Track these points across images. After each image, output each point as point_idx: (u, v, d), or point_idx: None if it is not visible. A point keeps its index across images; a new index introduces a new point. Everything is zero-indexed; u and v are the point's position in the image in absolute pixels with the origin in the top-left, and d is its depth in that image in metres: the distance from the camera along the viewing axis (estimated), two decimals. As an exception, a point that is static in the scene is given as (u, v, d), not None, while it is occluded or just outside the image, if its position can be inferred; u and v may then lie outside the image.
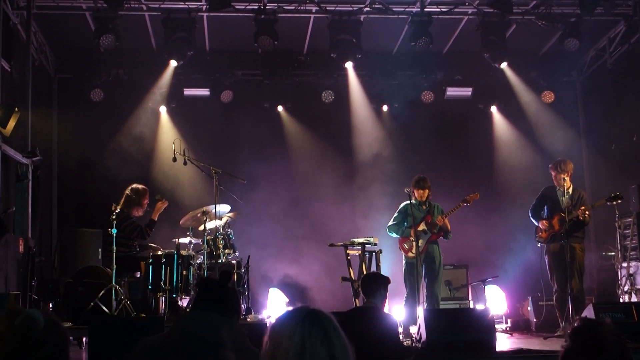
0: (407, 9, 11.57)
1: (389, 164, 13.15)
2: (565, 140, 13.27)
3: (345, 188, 13.29)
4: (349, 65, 12.35)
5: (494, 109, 13.87)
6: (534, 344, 9.18)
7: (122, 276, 9.50)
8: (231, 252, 10.35)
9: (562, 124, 13.56)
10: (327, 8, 11.48)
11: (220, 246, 10.14)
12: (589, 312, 8.38)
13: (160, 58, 12.12)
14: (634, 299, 10.38)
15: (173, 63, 11.97)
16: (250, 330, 8.54)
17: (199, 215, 10.22)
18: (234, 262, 10.37)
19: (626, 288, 10.63)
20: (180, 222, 10.50)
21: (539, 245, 10.20)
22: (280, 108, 13.53)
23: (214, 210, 9.98)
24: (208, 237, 9.96)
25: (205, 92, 13.20)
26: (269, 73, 13.17)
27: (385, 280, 7.25)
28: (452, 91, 13.63)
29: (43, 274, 10.81)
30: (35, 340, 2.69)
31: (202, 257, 9.92)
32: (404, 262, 10.16)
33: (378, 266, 10.19)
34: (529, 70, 13.51)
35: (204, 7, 11.35)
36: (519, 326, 11.37)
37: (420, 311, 9.27)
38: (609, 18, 11.90)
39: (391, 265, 11.05)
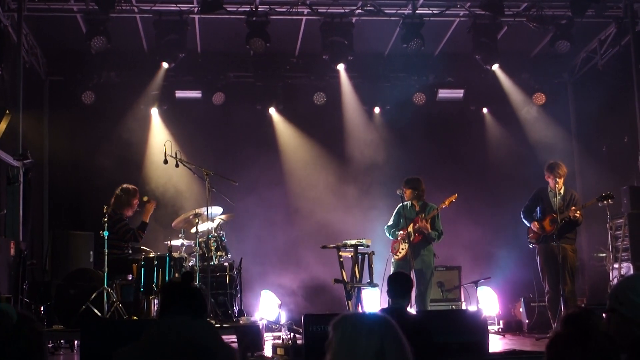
0: (398, 11, 11.58)
1: (381, 166, 13.16)
2: (556, 142, 13.30)
3: (337, 190, 13.28)
4: (340, 67, 12.36)
5: (485, 110, 13.90)
6: (526, 345, 9.22)
7: (114, 279, 9.49)
8: (223, 254, 10.33)
9: (554, 125, 13.59)
10: (319, 10, 11.48)
11: (213, 248, 10.13)
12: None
13: (152, 60, 12.11)
14: (625, 299, 10.38)
15: (165, 65, 11.95)
16: (242, 332, 8.56)
17: (191, 217, 10.21)
18: (226, 264, 10.37)
19: (618, 289, 10.65)
20: (172, 224, 10.49)
21: (530, 246, 10.22)
22: (272, 110, 13.51)
23: (206, 213, 9.97)
24: (200, 240, 9.95)
25: (197, 94, 13.17)
26: (261, 75, 13.16)
27: (412, 283, 6.93)
28: (443, 93, 13.63)
29: (34, 277, 10.78)
30: (7, 335, 2.65)
31: (194, 259, 9.90)
32: (392, 264, 10.25)
33: (371, 268, 10.19)
34: (520, 72, 13.55)
35: (196, 9, 11.33)
36: (511, 327, 11.40)
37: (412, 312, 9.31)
38: (599, 20, 11.96)
39: (383, 267, 11.04)
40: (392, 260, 10.31)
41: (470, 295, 11.45)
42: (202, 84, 13.15)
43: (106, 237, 9.11)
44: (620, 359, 2.74)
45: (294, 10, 11.48)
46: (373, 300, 11.16)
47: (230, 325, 9.07)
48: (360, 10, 11.54)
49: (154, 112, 13.16)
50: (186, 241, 10.20)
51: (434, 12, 11.66)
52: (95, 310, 8.83)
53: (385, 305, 9.69)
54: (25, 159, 10.57)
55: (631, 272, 10.51)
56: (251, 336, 8.46)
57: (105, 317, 8.75)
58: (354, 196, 13.02)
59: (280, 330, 10.19)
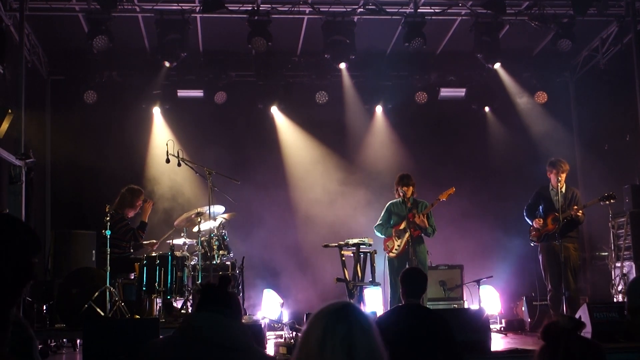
0: (400, 10, 11.57)
1: (382, 165, 13.15)
2: (558, 140, 13.29)
3: (339, 188, 13.28)
4: (342, 66, 12.35)
5: (487, 109, 13.89)
6: (528, 343, 9.21)
7: (116, 278, 9.50)
8: (225, 253, 10.34)
9: (556, 124, 13.59)
10: (321, 9, 11.48)
11: (215, 247, 10.14)
12: (583, 312, 8.40)
13: (154, 59, 12.11)
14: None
15: (166, 64, 11.93)
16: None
17: (193, 216, 10.22)
18: (228, 263, 10.38)
19: (620, 288, 10.67)
20: (175, 223, 10.50)
21: (532, 244, 10.22)
22: (273, 109, 13.51)
23: (208, 212, 9.98)
24: (202, 238, 9.96)
25: (199, 93, 13.19)
26: (263, 74, 13.16)
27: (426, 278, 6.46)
28: (445, 92, 13.64)
29: (37, 276, 10.77)
30: None
31: (196, 258, 9.91)
32: (386, 261, 10.23)
33: (372, 267, 10.19)
34: (522, 71, 13.54)
35: (198, 8, 11.33)
36: (513, 326, 11.39)
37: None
38: (601, 19, 11.94)
39: (386, 266, 11.03)
40: (387, 257, 10.21)
41: (473, 294, 11.44)
42: (203, 83, 13.16)
43: (108, 237, 9.12)
44: None
45: (295, 9, 11.47)
46: (375, 299, 11.17)
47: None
48: (361, 9, 11.54)
49: (156, 111, 13.18)
50: (188, 240, 10.22)
51: (436, 10, 11.65)
52: (98, 309, 8.83)
53: (392, 304, 9.80)
54: (27, 158, 10.58)
55: (633, 270, 10.52)
56: (253, 335, 8.47)
57: (107, 316, 8.76)
58: (356, 195, 13.01)
59: (282, 329, 10.21)
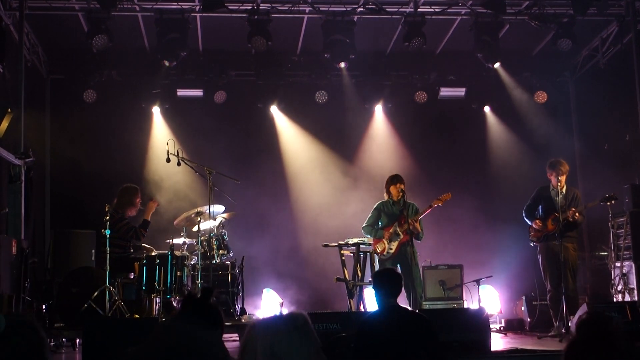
0: (400, 9, 11.57)
1: (382, 164, 13.13)
2: (558, 140, 13.29)
3: (339, 188, 13.28)
4: (342, 65, 12.34)
5: (487, 109, 13.88)
6: (528, 343, 9.21)
7: (116, 277, 9.49)
8: (225, 252, 10.35)
9: (555, 123, 13.59)
10: (321, 8, 11.47)
11: (214, 247, 10.14)
12: (582, 312, 8.40)
13: (154, 59, 12.09)
14: (627, 298, 10.41)
15: (166, 64, 11.92)
16: (244, 331, 8.56)
17: (192, 215, 10.22)
18: (227, 262, 10.38)
19: (619, 287, 10.66)
20: (174, 222, 10.51)
21: (532, 244, 10.22)
22: (273, 108, 13.50)
23: (208, 211, 9.98)
24: (202, 238, 9.96)
25: (198, 92, 13.18)
26: (262, 73, 13.13)
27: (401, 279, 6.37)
28: (445, 91, 13.63)
29: (36, 276, 10.78)
30: None
31: (196, 257, 9.91)
32: (376, 262, 10.15)
33: (372, 266, 10.20)
34: (522, 71, 13.53)
35: (197, 7, 11.33)
36: (512, 326, 11.40)
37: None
38: (601, 18, 11.94)
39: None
40: (378, 259, 10.07)
41: (472, 293, 11.44)
42: (203, 83, 13.15)
43: (108, 236, 9.12)
44: None
45: (295, 8, 11.47)
46: (375, 299, 11.15)
47: (232, 324, 9.08)
48: (361, 9, 11.53)
49: (156, 110, 13.17)
50: (188, 240, 10.21)
51: (436, 10, 11.65)
52: (97, 309, 8.83)
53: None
54: (27, 158, 10.57)
55: (633, 270, 10.51)
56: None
57: (107, 316, 8.76)
58: (356, 194, 13.01)
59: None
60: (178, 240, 10.20)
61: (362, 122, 13.75)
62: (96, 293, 8.92)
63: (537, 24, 11.55)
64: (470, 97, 13.76)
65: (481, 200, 13.41)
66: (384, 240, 9.89)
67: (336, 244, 10.47)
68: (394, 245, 9.82)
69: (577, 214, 9.62)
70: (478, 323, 8.04)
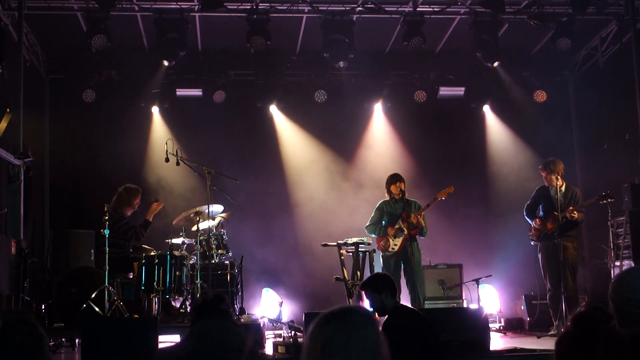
0: (399, 9, 11.57)
1: (381, 164, 13.12)
2: (557, 139, 13.28)
3: (338, 188, 13.29)
4: (341, 65, 12.32)
5: (486, 108, 13.87)
6: (527, 342, 9.20)
7: (115, 277, 9.49)
8: (224, 252, 10.34)
9: (555, 123, 13.58)
10: (320, 8, 11.46)
11: (213, 246, 10.14)
12: (581, 305, 8.39)
13: (153, 58, 12.09)
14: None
15: (165, 63, 11.91)
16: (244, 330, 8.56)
17: (191, 215, 10.21)
18: (227, 262, 10.37)
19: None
20: (173, 222, 10.49)
21: (532, 243, 10.22)
22: (272, 108, 13.50)
23: (206, 211, 9.97)
24: (201, 238, 9.95)
25: (197, 92, 13.17)
26: (262, 73, 13.15)
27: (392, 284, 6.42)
28: (444, 91, 13.61)
29: (35, 275, 10.78)
30: None
31: (195, 257, 9.90)
32: (375, 261, 10.17)
33: (372, 266, 10.19)
34: (521, 70, 13.52)
35: (196, 7, 11.32)
36: (512, 325, 11.40)
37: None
38: (600, 17, 11.93)
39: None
40: (382, 257, 10.12)
41: (472, 293, 11.44)
42: (202, 82, 13.14)
43: (107, 236, 9.12)
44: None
45: (294, 8, 11.46)
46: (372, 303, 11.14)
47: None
48: (360, 8, 11.53)
49: (155, 110, 13.17)
50: (187, 239, 10.20)
51: (435, 9, 11.65)
52: (96, 309, 8.83)
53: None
54: (26, 158, 10.57)
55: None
56: (252, 334, 8.46)
57: (106, 316, 8.76)
58: (355, 194, 13.01)
59: (281, 329, 10.19)
60: (177, 240, 10.19)
61: (362, 122, 13.75)
62: (95, 293, 8.92)
63: (536, 23, 11.54)
64: (469, 97, 13.75)
65: (480, 199, 13.42)
66: (387, 237, 9.94)
67: (335, 244, 10.46)
68: (399, 241, 9.87)
69: (575, 213, 9.62)
70: (477, 322, 8.04)
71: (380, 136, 13.74)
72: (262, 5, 11.28)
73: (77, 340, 9.12)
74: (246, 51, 12.04)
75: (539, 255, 10.05)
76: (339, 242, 10.44)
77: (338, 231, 11.69)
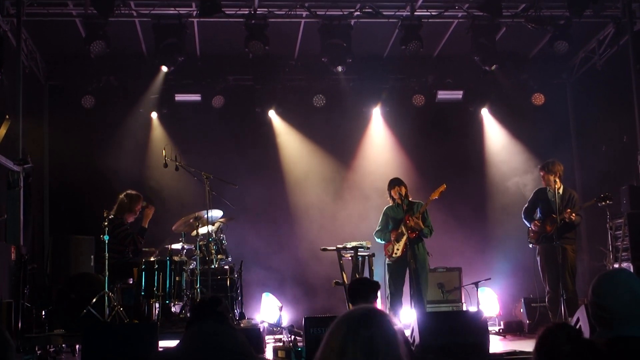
0: (397, 13, 11.59)
1: (380, 168, 13.15)
2: (555, 142, 13.31)
3: (337, 192, 13.31)
4: (339, 69, 12.33)
5: (484, 111, 13.90)
6: (527, 345, 9.20)
7: (115, 282, 9.50)
8: (224, 257, 10.36)
9: (553, 126, 13.61)
10: (318, 13, 11.49)
11: (213, 251, 10.15)
12: (581, 313, 8.38)
13: (151, 64, 12.11)
14: (625, 299, 10.39)
15: (164, 69, 11.94)
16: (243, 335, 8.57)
17: (191, 220, 10.23)
18: (226, 267, 10.38)
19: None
20: (173, 227, 10.50)
21: (530, 246, 10.22)
22: (271, 113, 13.53)
23: (206, 216, 9.99)
24: (200, 243, 9.96)
25: (196, 97, 13.20)
26: (260, 78, 13.17)
27: (376, 286, 6.77)
28: (443, 94, 13.65)
29: (35, 282, 10.78)
30: None
31: (194, 262, 9.91)
32: (374, 266, 10.15)
33: (371, 270, 10.21)
34: (519, 73, 13.57)
35: (195, 12, 11.34)
36: (512, 328, 11.38)
37: (411, 313, 9.32)
38: (598, 20, 11.96)
39: (384, 269, 11.05)
40: (387, 261, 10.07)
41: (471, 296, 11.46)
42: (201, 88, 13.17)
43: (107, 241, 9.12)
44: None
45: (292, 12, 11.49)
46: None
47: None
48: (358, 13, 11.55)
49: (154, 115, 13.19)
50: (187, 245, 10.21)
51: (432, 13, 11.67)
52: (97, 314, 8.84)
53: (391, 309, 9.78)
54: (26, 164, 10.58)
55: (631, 271, 10.51)
56: (252, 339, 8.47)
57: (106, 321, 8.76)
58: (354, 198, 13.04)
59: (281, 333, 10.21)
60: (177, 245, 10.20)
61: (360, 126, 13.78)
62: (95, 298, 8.92)
63: (533, 27, 11.57)
64: (467, 100, 13.78)
65: (479, 202, 13.44)
66: (391, 242, 9.91)
67: (335, 248, 10.47)
68: (400, 245, 9.81)
69: (573, 215, 9.63)
70: (477, 325, 8.04)
71: (378, 140, 13.76)
72: (260, 11, 11.30)
73: (77, 346, 9.11)
74: (244, 56, 12.05)
75: (538, 258, 10.06)
76: (339, 246, 10.45)
77: (338, 235, 11.71)
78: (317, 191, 13.26)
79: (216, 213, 10.42)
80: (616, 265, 10.82)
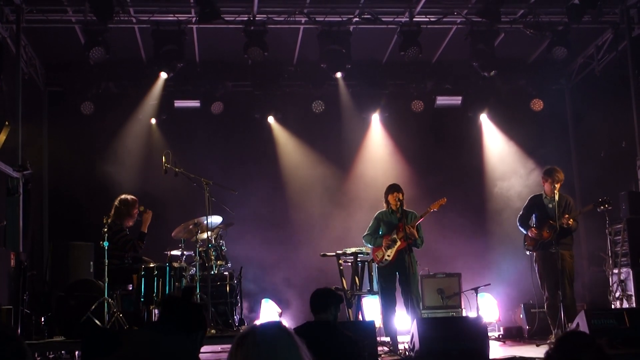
0: (396, 19, 11.61)
1: (379, 173, 13.16)
2: (554, 148, 13.33)
3: (336, 198, 13.32)
4: (338, 75, 12.38)
5: (483, 117, 13.92)
6: (526, 351, 9.21)
7: (115, 289, 9.48)
8: (223, 263, 10.35)
9: (552, 131, 13.63)
10: (317, 19, 11.51)
11: (212, 257, 10.14)
12: (580, 319, 8.41)
13: (151, 70, 12.14)
14: (625, 305, 10.42)
15: (163, 75, 11.98)
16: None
17: (190, 227, 10.22)
18: (226, 273, 10.37)
19: (617, 294, 10.67)
20: (172, 234, 10.49)
21: (528, 253, 10.18)
22: (270, 119, 13.55)
23: (205, 222, 9.98)
24: (200, 249, 9.95)
25: (195, 103, 13.21)
26: (259, 84, 13.18)
27: (338, 298, 6.34)
28: (442, 100, 13.67)
29: (35, 288, 10.77)
30: None
31: (194, 268, 9.90)
32: (374, 271, 10.10)
33: (370, 276, 10.19)
34: (518, 79, 13.60)
35: (194, 19, 11.37)
36: (511, 334, 11.39)
37: (407, 319, 9.32)
38: (596, 26, 11.99)
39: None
40: (377, 267, 9.94)
41: (471, 301, 11.45)
42: (200, 94, 13.19)
43: (106, 248, 9.12)
44: None
45: (291, 19, 11.51)
46: (373, 308, 11.16)
47: (231, 335, 9.07)
48: (357, 19, 11.58)
49: (153, 122, 13.19)
50: (186, 251, 10.20)
51: (431, 19, 11.70)
52: (96, 321, 8.83)
53: (383, 312, 9.77)
54: (25, 170, 10.58)
55: (630, 277, 10.52)
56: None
57: (105, 328, 8.75)
58: (353, 204, 13.03)
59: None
60: (176, 252, 10.19)
61: (359, 132, 13.79)
62: (95, 305, 8.91)
63: (532, 32, 11.60)
64: (466, 106, 13.80)
65: (478, 208, 13.45)
66: (382, 248, 9.82)
67: (334, 254, 10.46)
68: (392, 252, 9.71)
69: (570, 221, 9.62)
70: (476, 331, 8.05)
71: (377, 146, 13.78)
72: (259, 17, 11.32)
73: (76, 353, 9.11)
74: (244, 62, 12.09)
75: (536, 265, 10.00)
76: (338, 252, 10.44)
77: (337, 241, 11.70)
78: (316, 197, 13.26)
79: (215, 219, 10.42)
80: (615, 271, 10.82)
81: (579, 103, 13.77)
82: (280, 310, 11.92)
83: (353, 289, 10.08)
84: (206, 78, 13.15)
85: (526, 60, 13.64)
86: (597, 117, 12.85)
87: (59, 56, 12.76)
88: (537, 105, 13.44)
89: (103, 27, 10.90)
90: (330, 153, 13.58)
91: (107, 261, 9.07)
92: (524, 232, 10.09)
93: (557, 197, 9.71)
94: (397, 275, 9.67)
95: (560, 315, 9.43)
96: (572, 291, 9.74)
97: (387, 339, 9.51)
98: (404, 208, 9.83)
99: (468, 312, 11.63)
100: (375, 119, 13.80)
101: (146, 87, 12.72)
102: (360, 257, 10.24)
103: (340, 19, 11.54)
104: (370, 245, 10.00)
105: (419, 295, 9.91)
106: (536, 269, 9.99)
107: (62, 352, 9.46)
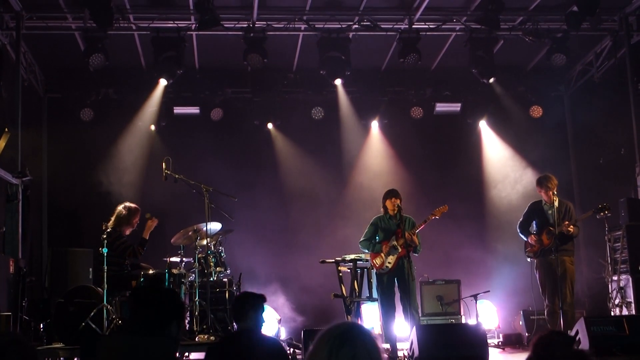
0: (395, 26, 11.63)
1: (378, 180, 13.14)
2: (553, 155, 13.34)
3: (336, 204, 13.31)
4: (338, 82, 12.40)
5: (482, 123, 13.92)
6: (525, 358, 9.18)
7: (114, 295, 9.46)
8: (222, 269, 10.33)
9: (551, 138, 13.64)
10: (316, 26, 11.53)
11: (212, 264, 10.12)
12: (580, 326, 8.40)
13: (150, 77, 12.15)
14: (624, 312, 10.41)
15: (163, 82, 11.99)
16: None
17: (190, 233, 10.19)
18: (225, 279, 10.35)
19: (617, 301, 10.66)
20: (172, 240, 10.46)
21: (528, 260, 10.18)
22: (270, 125, 13.55)
23: (205, 228, 9.97)
24: (199, 255, 9.94)
25: (195, 110, 13.21)
26: (259, 90, 13.21)
27: (257, 301, 6.08)
28: (441, 107, 13.68)
29: (34, 294, 10.77)
30: None
31: (193, 275, 9.89)
32: (374, 277, 10.06)
33: (370, 282, 10.16)
34: (517, 85, 13.62)
35: (193, 25, 11.39)
36: (511, 341, 11.39)
37: (406, 326, 9.30)
38: (595, 33, 12.01)
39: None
40: (376, 273, 9.87)
41: (470, 308, 11.44)
42: (200, 100, 13.20)
43: (105, 254, 9.10)
44: None
45: (291, 25, 11.53)
46: (372, 315, 11.15)
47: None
48: (357, 26, 11.60)
49: (152, 128, 13.19)
50: (185, 257, 10.19)
51: (430, 26, 11.72)
52: (95, 327, 8.81)
53: (383, 319, 9.76)
54: (24, 177, 10.59)
55: (630, 284, 10.52)
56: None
57: (105, 334, 8.74)
58: (353, 210, 13.02)
59: (280, 346, 10.14)
60: (175, 258, 10.18)
61: (359, 138, 13.79)
62: (94, 311, 8.89)
63: (531, 39, 11.64)
64: (465, 112, 13.81)
65: (478, 214, 13.45)
66: (381, 254, 9.76)
67: (333, 260, 10.43)
68: (392, 259, 9.66)
69: (571, 227, 9.62)
70: (476, 338, 8.04)
71: (377, 152, 13.78)
72: (258, 24, 11.34)
73: (75, 360, 9.10)
74: (243, 69, 12.11)
75: (536, 272, 10.00)
76: (337, 258, 10.40)
77: (336, 247, 11.67)
78: (316, 203, 13.25)
79: (215, 226, 10.40)
80: (615, 278, 10.82)
81: (578, 110, 13.78)
82: (279, 317, 11.89)
83: (352, 296, 10.06)
84: (206, 85, 13.16)
85: (525, 67, 13.66)
86: (596, 124, 12.86)
87: (59, 63, 12.77)
88: (536, 112, 13.46)
89: (103, 34, 10.92)
90: (330, 159, 13.58)
91: (106, 268, 9.05)
92: (524, 238, 10.09)
93: (556, 204, 9.72)
94: (396, 282, 9.64)
95: (559, 321, 9.42)
96: (572, 298, 9.74)
97: (387, 345, 9.48)
98: (402, 214, 9.79)
99: (467, 319, 11.61)
100: (375, 125, 13.80)
101: (146, 93, 12.72)
102: (359, 264, 10.20)
103: (339, 26, 11.56)
104: (366, 251, 9.96)
105: (416, 301, 9.84)
106: (537, 275, 9.99)
107: (61, 358, 9.44)
